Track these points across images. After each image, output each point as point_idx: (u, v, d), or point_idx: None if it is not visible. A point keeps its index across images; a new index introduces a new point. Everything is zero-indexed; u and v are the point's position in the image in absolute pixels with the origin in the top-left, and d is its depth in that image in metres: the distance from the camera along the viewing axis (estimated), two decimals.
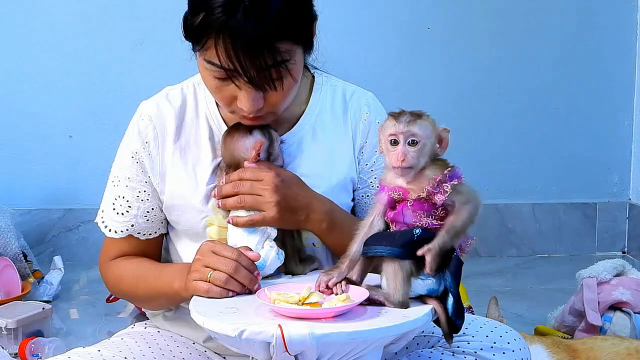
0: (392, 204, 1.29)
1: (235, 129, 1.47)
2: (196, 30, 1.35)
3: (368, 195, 1.57)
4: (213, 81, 1.40)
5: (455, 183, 1.25)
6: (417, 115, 1.28)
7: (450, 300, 1.25)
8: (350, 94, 1.60)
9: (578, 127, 3.52)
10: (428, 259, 1.22)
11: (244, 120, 1.45)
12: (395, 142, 1.27)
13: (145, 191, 1.54)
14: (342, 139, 1.56)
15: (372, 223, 1.31)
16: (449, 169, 1.27)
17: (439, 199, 1.24)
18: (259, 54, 1.32)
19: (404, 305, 1.24)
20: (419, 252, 1.22)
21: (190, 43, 1.41)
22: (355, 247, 1.30)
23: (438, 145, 1.29)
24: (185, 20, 1.40)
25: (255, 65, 1.33)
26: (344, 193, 1.55)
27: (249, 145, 1.45)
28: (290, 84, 1.40)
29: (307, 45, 1.43)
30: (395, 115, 1.28)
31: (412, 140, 1.26)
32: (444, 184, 1.25)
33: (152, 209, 1.54)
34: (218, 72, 1.37)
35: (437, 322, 1.28)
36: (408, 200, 1.27)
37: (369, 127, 1.57)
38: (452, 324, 1.26)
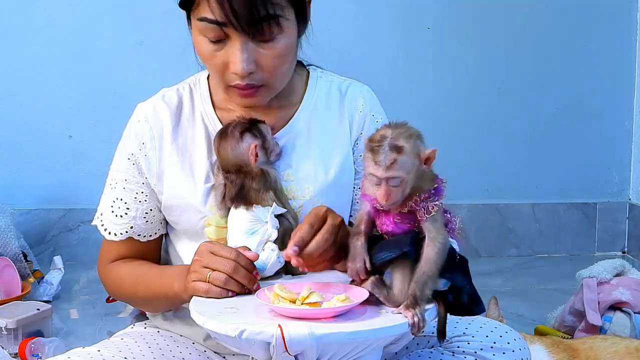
0: (376, 213, 1.28)
1: (224, 136, 1.47)
2: None
3: (360, 188, 1.57)
4: (207, 46, 1.41)
5: (441, 205, 1.23)
6: (396, 151, 1.20)
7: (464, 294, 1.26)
8: (346, 87, 1.60)
9: (578, 127, 3.52)
10: (409, 315, 1.20)
11: (237, 95, 1.44)
12: (378, 183, 1.22)
13: (142, 192, 1.53)
14: (338, 133, 1.56)
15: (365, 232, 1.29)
16: (435, 186, 1.25)
17: (421, 216, 1.23)
18: (252, 1, 1.33)
19: None
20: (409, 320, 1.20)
21: (186, 12, 1.43)
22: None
23: (424, 165, 1.24)
24: None
25: (247, 12, 1.33)
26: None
27: (244, 151, 1.45)
28: (284, 45, 1.40)
29: (299, 11, 1.43)
30: (375, 151, 1.21)
31: (393, 182, 1.21)
32: (428, 204, 1.23)
33: (151, 209, 1.54)
34: (211, 31, 1.38)
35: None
36: (392, 215, 1.26)
37: (365, 119, 1.57)
38: (444, 325, 1.27)
